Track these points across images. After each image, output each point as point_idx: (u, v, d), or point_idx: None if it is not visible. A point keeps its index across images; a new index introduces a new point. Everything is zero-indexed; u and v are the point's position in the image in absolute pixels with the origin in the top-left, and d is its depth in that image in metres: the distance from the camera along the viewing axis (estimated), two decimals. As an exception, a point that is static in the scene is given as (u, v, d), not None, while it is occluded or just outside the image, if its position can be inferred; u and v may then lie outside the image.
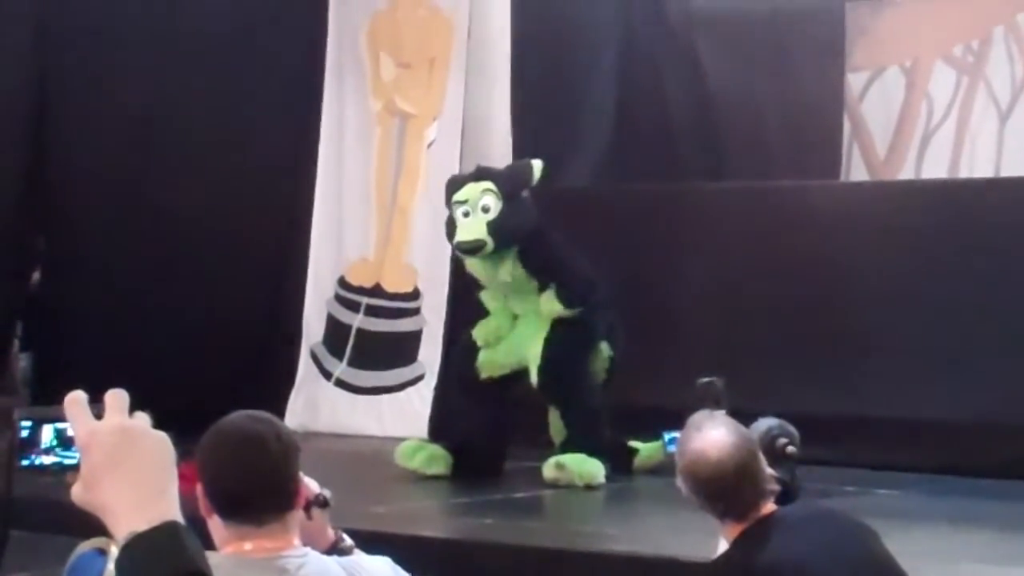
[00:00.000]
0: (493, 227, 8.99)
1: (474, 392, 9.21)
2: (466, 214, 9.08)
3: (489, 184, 9.10)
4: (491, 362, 9.18)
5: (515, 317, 9.30)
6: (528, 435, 9.37)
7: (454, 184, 9.35)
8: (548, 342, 8.99)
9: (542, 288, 9.11)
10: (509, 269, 9.14)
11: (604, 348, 9.24)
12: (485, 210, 9.03)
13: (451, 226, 9.20)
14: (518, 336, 9.17)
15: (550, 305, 9.03)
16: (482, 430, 9.12)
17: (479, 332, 9.28)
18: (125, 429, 1.66)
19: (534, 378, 9.03)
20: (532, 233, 9.14)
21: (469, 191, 9.12)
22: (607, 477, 8.93)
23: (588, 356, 9.18)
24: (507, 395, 9.23)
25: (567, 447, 8.97)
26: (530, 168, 9.16)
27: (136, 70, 11.29)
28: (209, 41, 11.35)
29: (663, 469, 9.13)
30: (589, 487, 8.77)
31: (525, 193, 9.18)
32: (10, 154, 11.21)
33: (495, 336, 9.24)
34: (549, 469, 8.83)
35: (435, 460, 9.09)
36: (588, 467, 8.82)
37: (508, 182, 9.13)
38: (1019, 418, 9.10)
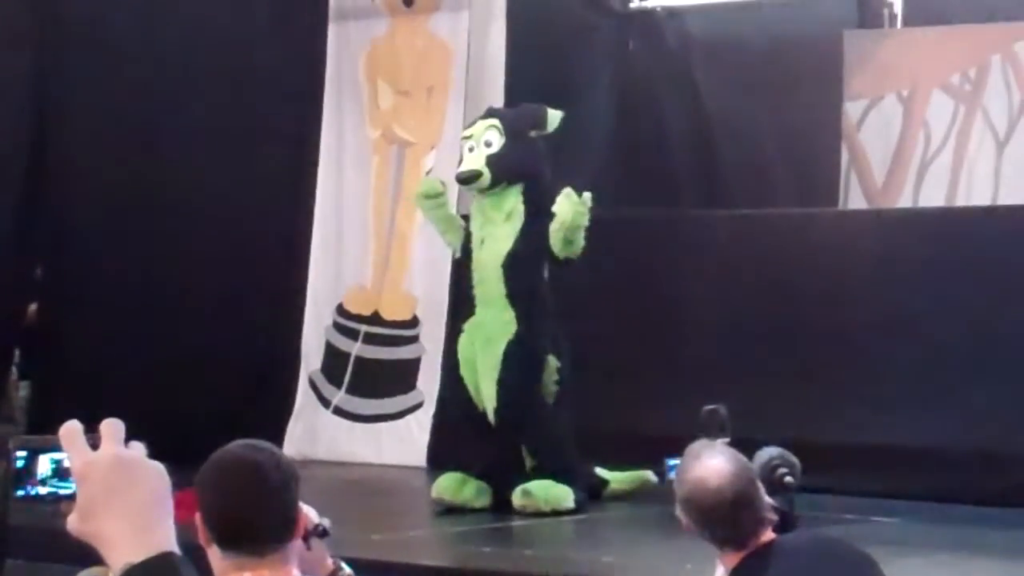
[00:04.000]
0: (491, 160, 9.10)
1: (483, 425, 9.12)
2: (471, 149, 9.24)
3: (494, 121, 9.27)
4: (480, 395, 9.10)
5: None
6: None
7: (470, 126, 9.54)
8: (501, 384, 8.91)
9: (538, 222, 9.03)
10: (510, 207, 9.14)
11: (551, 361, 9.13)
12: (488, 144, 9.17)
13: (460, 162, 9.36)
14: (480, 369, 9.11)
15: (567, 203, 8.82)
16: (500, 459, 9.04)
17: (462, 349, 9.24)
18: (121, 459, 1.66)
19: (491, 419, 8.99)
20: (536, 174, 9.18)
21: (476, 128, 9.33)
22: (579, 502, 8.89)
23: (540, 385, 9.08)
24: None
25: (535, 475, 8.94)
26: (540, 111, 9.26)
27: (135, 101, 11.30)
28: (208, 69, 11.37)
29: (644, 495, 9.20)
30: (557, 512, 8.73)
31: (534, 134, 9.24)
32: (8, 183, 11.21)
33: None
34: (517, 496, 8.79)
35: (482, 493, 8.98)
36: (555, 492, 8.79)
37: (514, 120, 9.27)
38: (1018, 446, 9.09)
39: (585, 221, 8.84)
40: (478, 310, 9.17)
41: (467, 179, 9.20)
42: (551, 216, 8.96)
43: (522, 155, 9.18)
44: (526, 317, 9.04)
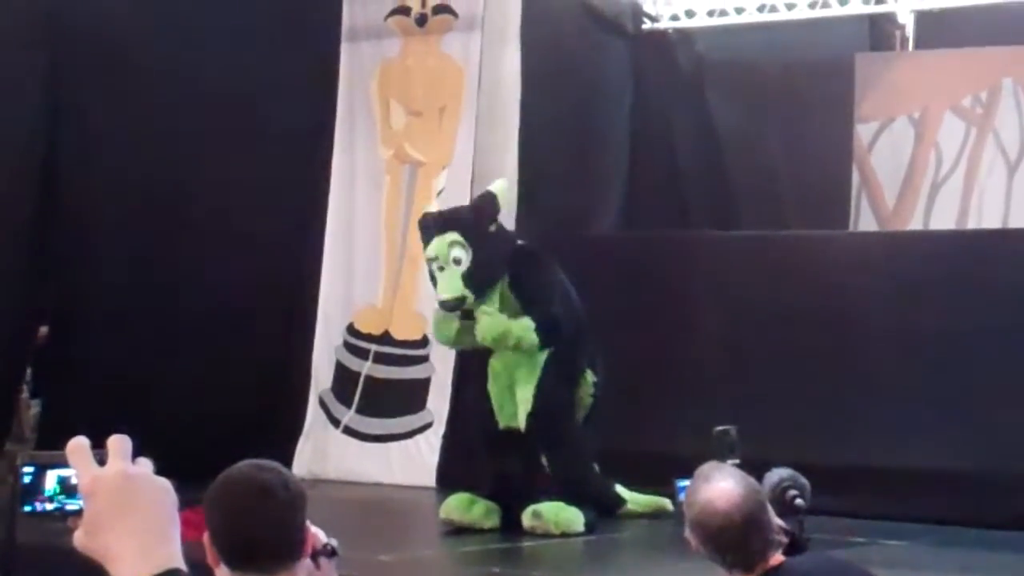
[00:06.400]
0: (468, 279, 9.00)
1: (499, 442, 9.13)
2: (441, 268, 9.09)
3: (454, 235, 9.05)
4: (503, 412, 9.12)
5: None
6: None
7: (424, 229, 9.32)
8: (539, 388, 8.96)
9: (522, 313, 9.07)
10: (497, 299, 9.12)
11: (588, 375, 9.21)
12: (457, 262, 9.02)
13: (432, 279, 9.24)
14: (514, 380, 9.12)
15: (527, 335, 8.95)
16: (514, 476, 9.04)
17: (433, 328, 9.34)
18: (128, 476, 1.65)
19: (521, 423, 8.99)
20: (520, 257, 9.14)
21: (437, 247, 9.10)
22: (590, 524, 8.88)
23: (574, 400, 9.14)
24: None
25: (551, 494, 8.93)
26: (492, 199, 9.17)
27: (147, 122, 11.30)
28: (220, 89, 11.37)
29: (656, 515, 9.19)
30: (566, 535, 8.72)
31: (493, 228, 9.18)
32: (19, 203, 11.23)
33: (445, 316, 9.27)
34: (527, 517, 8.77)
35: (491, 513, 8.98)
36: (565, 515, 8.77)
37: (473, 227, 9.10)
38: (1029, 469, 9.08)
39: (495, 336, 8.92)
40: None
41: (454, 307, 9.14)
42: (529, 303, 9.05)
43: (492, 259, 9.09)
44: (564, 343, 9.11)
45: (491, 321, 8.94)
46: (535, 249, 9.38)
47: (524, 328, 8.93)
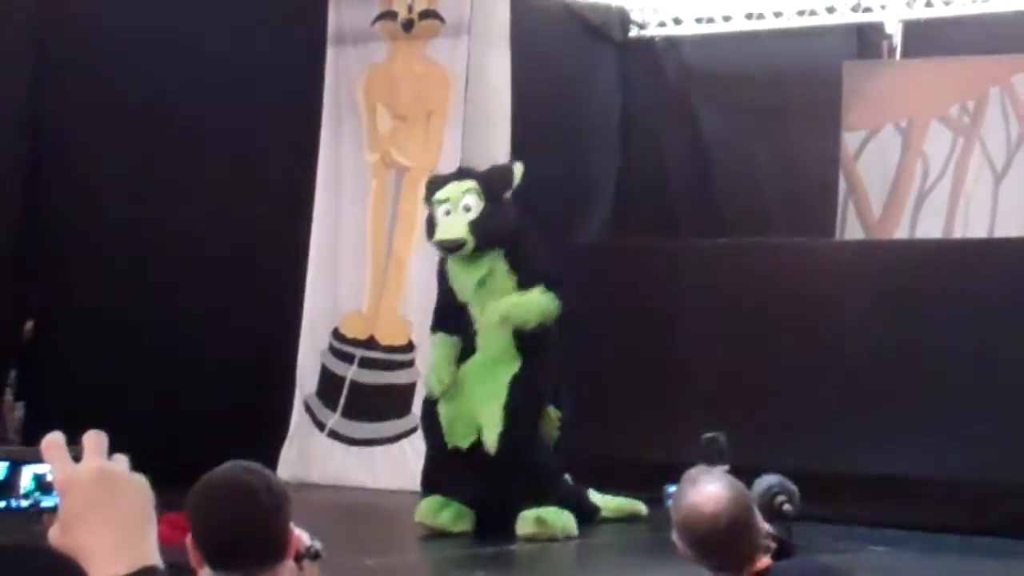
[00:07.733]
0: (474, 226, 9.06)
1: (461, 457, 9.09)
2: (447, 212, 9.14)
3: (472, 184, 9.18)
4: (453, 432, 9.08)
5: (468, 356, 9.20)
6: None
7: (435, 183, 9.41)
8: (507, 409, 8.92)
9: (525, 286, 9.05)
10: (487, 268, 9.09)
11: (551, 411, 9.18)
12: (467, 209, 9.10)
13: (431, 224, 9.23)
14: (474, 400, 9.07)
15: (543, 297, 8.93)
16: (492, 486, 9.01)
17: (432, 378, 9.21)
18: (103, 472, 1.63)
19: (490, 446, 8.93)
20: (516, 234, 9.20)
21: (451, 190, 9.20)
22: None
23: (540, 418, 9.13)
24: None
25: (530, 504, 8.89)
26: (511, 171, 9.29)
27: (133, 126, 11.28)
28: (207, 92, 11.35)
29: (639, 520, 9.20)
30: (553, 539, 8.72)
31: (508, 195, 9.24)
32: (3, 206, 11.19)
33: (449, 375, 9.13)
34: (528, 524, 8.74)
35: (462, 517, 8.95)
36: (566, 520, 8.81)
37: (491, 183, 9.22)
38: (1012, 476, 9.09)
39: (510, 309, 8.98)
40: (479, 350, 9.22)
41: (451, 248, 9.14)
42: (537, 276, 9.01)
43: (502, 219, 9.16)
44: (529, 362, 9.09)
45: (501, 301, 8.94)
46: (534, 227, 9.39)
47: (537, 292, 8.93)
